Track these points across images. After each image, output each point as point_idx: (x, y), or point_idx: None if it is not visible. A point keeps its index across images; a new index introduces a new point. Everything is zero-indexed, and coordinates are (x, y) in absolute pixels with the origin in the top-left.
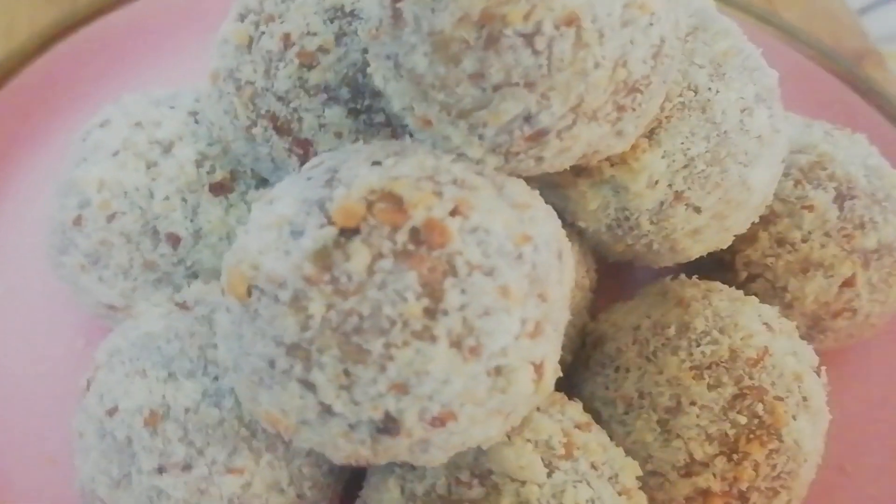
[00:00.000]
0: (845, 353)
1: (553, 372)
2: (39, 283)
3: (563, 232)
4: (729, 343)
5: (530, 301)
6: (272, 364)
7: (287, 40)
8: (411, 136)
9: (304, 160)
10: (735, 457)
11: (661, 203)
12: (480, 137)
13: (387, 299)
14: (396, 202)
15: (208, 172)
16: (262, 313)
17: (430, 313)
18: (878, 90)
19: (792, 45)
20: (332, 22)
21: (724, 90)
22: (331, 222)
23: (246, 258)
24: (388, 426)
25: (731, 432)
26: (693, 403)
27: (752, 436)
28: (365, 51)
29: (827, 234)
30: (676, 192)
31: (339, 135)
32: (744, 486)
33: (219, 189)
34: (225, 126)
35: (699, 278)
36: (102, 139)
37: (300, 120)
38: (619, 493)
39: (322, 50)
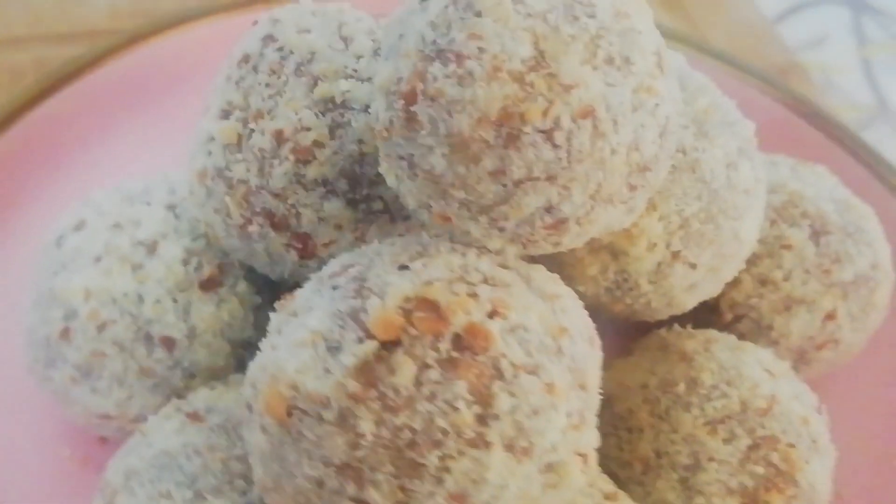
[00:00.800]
0: (824, 381)
1: (595, 458)
2: (19, 389)
3: (588, 317)
4: (738, 395)
5: (573, 393)
6: (320, 485)
7: (280, 137)
8: (406, 219)
9: (303, 253)
10: None
11: (660, 264)
12: (501, 230)
13: (438, 411)
14: (434, 309)
15: (196, 269)
16: (307, 434)
17: (482, 420)
18: (824, 115)
19: (733, 74)
20: (324, 115)
21: (710, 148)
22: (369, 336)
23: (283, 378)
24: None
25: (750, 484)
26: (711, 459)
27: (770, 485)
28: (360, 141)
29: (807, 271)
30: (674, 252)
31: (338, 227)
32: None
33: (209, 285)
34: (215, 224)
35: (688, 323)
36: (81, 244)
37: (298, 215)
38: None
39: (317, 144)
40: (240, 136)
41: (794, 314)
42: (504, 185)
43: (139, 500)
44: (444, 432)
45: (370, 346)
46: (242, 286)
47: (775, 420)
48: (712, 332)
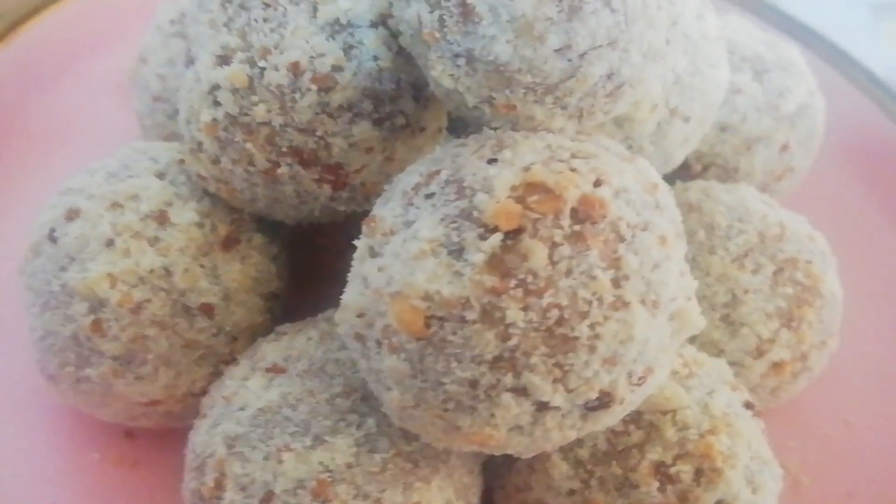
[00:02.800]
0: None
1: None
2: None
3: None
4: (754, 228)
5: (678, 242)
6: (474, 385)
7: (297, 69)
8: (423, 130)
9: (336, 185)
10: (793, 323)
11: (660, 123)
12: (564, 108)
13: (578, 283)
14: (546, 190)
15: (212, 230)
16: (452, 339)
17: (617, 282)
18: None
19: None
20: (334, 38)
21: (681, 1)
22: (490, 229)
23: (412, 292)
24: (602, 401)
25: (784, 305)
26: (746, 291)
27: (801, 301)
28: (376, 57)
29: (758, 110)
30: (672, 109)
31: (369, 149)
32: (805, 348)
33: (229, 244)
34: (234, 176)
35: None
36: (83, 232)
37: (328, 146)
38: (732, 390)
39: (336, 68)
40: (250, 78)
41: (754, 152)
42: (570, 60)
43: (255, 461)
44: (588, 302)
45: (496, 238)
46: (258, 239)
47: (790, 242)
48: (700, 182)
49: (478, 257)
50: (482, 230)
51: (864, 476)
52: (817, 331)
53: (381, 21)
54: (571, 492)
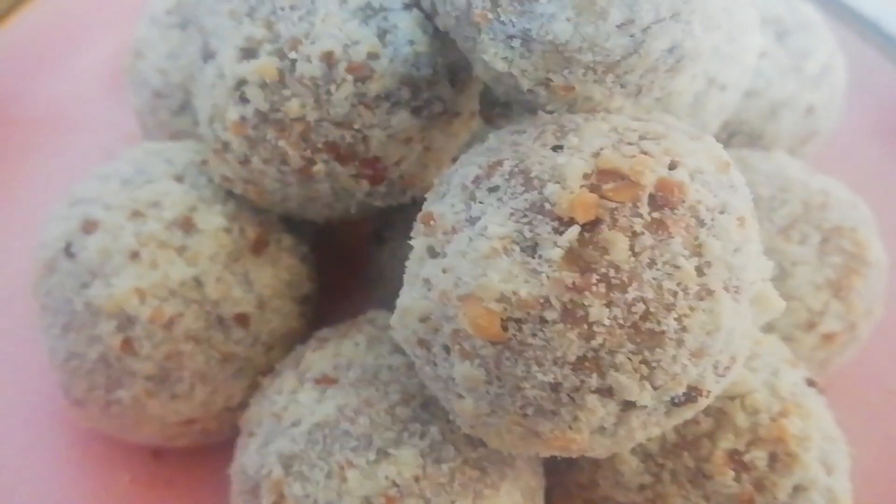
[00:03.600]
0: None
1: None
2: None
3: None
4: (796, 197)
5: (754, 223)
6: (556, 388)
7: (330, 59)
8: (458, 115)
9: (374, 180)
10: (842, 293)
11: (697, 94)
12: (623, 86)
13: (663, 274)
14: (621, 177)
15: (241, 234)
16: (532, 341)
17: (701, 270)
18: None
19: None
20: (367, 23)
21: None
22: (566, 222)
23: (486, 294)
24: (690, 395)
25: (833, 276)
26: (794, 264)
27: (849, 271)
28: (412, 42)
29: (782, 73)
30: (709, 78)
31: (407, 140)
32: (854, 317)
33: (259, 247)
34: (265, 176)
35: None
36: (104, 245)
37: (365, 139)
38: (793, 367)
39: (371, 56)
40: (280, 71)
41: (780, 117)
42: (632, 35)
43: (316, 480)
44: (674, 293)
45: (573, 231)
46: (287, 240)
47: (834, 210)
48: (734, 151)
49: (555, 253)
50: (557, 223)
51: None
52: (865, 299)
53: (415, 2)
54: (642, 487)
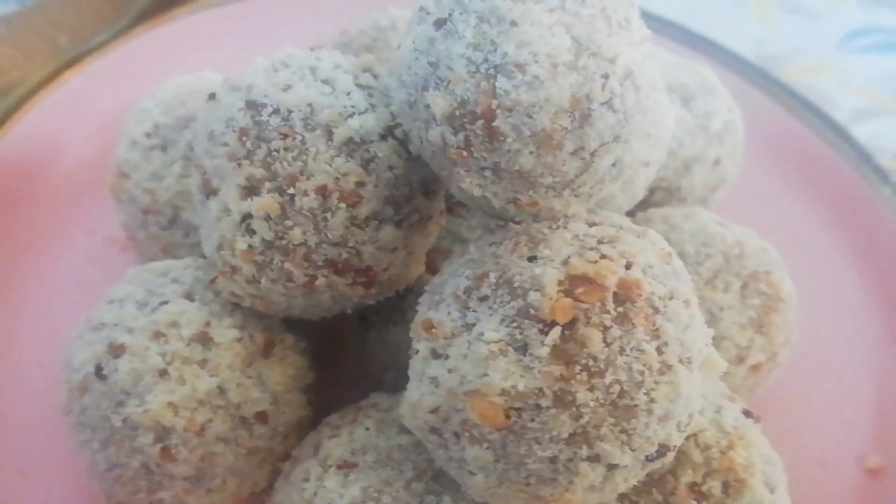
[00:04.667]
0: None
1: None
2: None
3: None
4: (717, 251)
5: (695, 300)
6: (554, 460)
7: (325, 191)
8: (430, 219)
9: (367, 285)
10: (764, 329)
11: None
12: (577, 196)
13: (631, 358)
14: (588, 281)
15: (251, 340)
16: (531, 425)
17: (660, 350)
18: None
19: None
20: (352, 156)
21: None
22: (549, 324)
23: (489, 390)
24: (660, 451)
25: (754, 315)
26: (721, 309)
27: (767, 309)
28: (390, 167)
29: (692, 134)
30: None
31: (393, 249)
32: (775, 347)
33: (267, 350)
34: (272, 293)
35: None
36: (134, 366)
37: (359, 254)
38: (731, 401)
39: (359, 185)
40: (282, 205)
41: (693, 171)
42: (583, 159)
43: None
44: (641, 373)
45: (555, 332)
46: (289, 338)
47: (749, 258)
48: (657, 210)
49: (543, 351)
50: (541, 325)
51: (831, 444)
52: (783, 331)
53: (390, 132)
54: None
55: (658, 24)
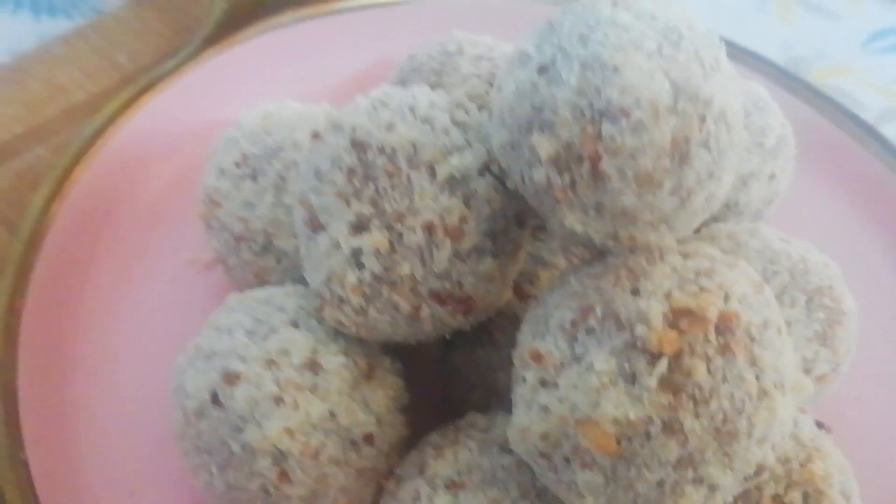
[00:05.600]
0: None
1: None
2: None
3: None
4: (784, 267)
5: (785, 328)
6: (661, 484)
7: (431, 228)
8: (519, 248)
9: (466, 313)
10: (828, 342)
11: None
12: (672, 229)
13: (734, 386)
14: (690, 314)
15: (355, 365)
16: (641, 451)
17: (758, 378)
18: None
19: None
20: (454, 192)
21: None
22: (657, 355)
23: (602, 418)
24: (757, 472)
25: (818, 328)
26: (789, 323)
27: (831, 321)
28: (489, 201)
29: (748, 150)
30: None
31: (491, 278)
32: (839, 358)
33: (370, 374)
34: (379, 323)
35: None
36: (250, 394)
37: (461, 285)
38: (803, 414)
39: (462, 220)
40: (391, 242)
41: (749, 186)
42: (681, 196)
43: None
44: (742, 400)
45: (663, 363)
46: (387, 361)
47: (813, 274)
48: (721, 227)
49: (652, 381)
50: (649, 357)
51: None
52: (845, 342)
53: (486, 168)
54: None
55: None
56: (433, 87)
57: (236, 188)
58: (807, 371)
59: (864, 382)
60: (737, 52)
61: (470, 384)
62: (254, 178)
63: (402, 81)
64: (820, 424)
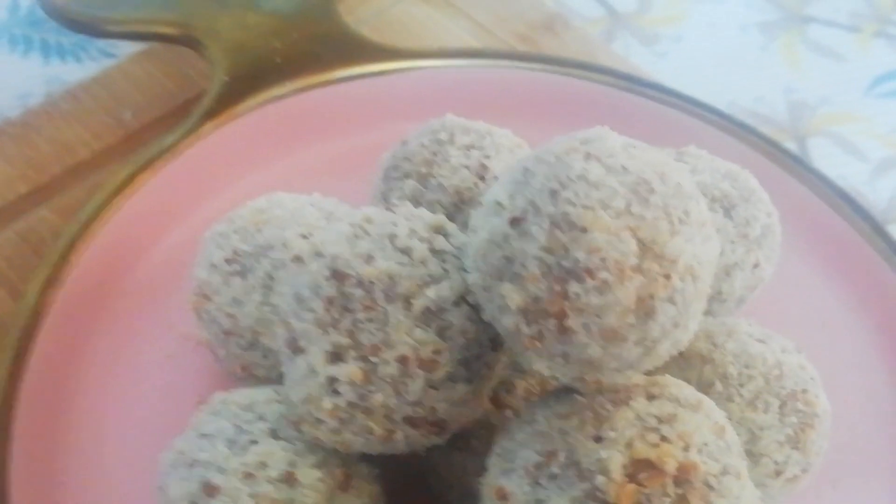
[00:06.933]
0: None
1: None
2: None
3: None
4: (759, 373)
5: (745, 467)
6: None
7: (404, 360)
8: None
9: (440, 434)
10: (800, 445)
11: None
12: (638, 370)
13: None
14: (650, 466)
15: (330, 477)
16: None
17: None
18: None
19: None
20: (429, 325)
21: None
22: None
23: None
24: None
25: (791, 432)
26: (761, 429)
27: (804, 426)
28: (464, 332)
29: (732, 242)
30: None
31: (464, 402)
32: (811, 459)
33: (345, 484)
34: (354, 442)
35: None
36: None
37: (434, 410)
38: None
39: (436, 352)
40: (365, 373)
41: (733, 276)
42: (646, 346)
43: None
44: None
45: None
46: (363, 469)
47: (788, 379)
48: (703, 324)
49: None
50: None
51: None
52: (818, 444)
53: (462, 298)
54: None
55: (702, 112)
56: (423, 178)
57: (226, 284)
58: (778, 474)
59: (841, 468)
60: (733, 127)
61: (448, 484)
62: (243, 275)
63: (394, 168)
64: None
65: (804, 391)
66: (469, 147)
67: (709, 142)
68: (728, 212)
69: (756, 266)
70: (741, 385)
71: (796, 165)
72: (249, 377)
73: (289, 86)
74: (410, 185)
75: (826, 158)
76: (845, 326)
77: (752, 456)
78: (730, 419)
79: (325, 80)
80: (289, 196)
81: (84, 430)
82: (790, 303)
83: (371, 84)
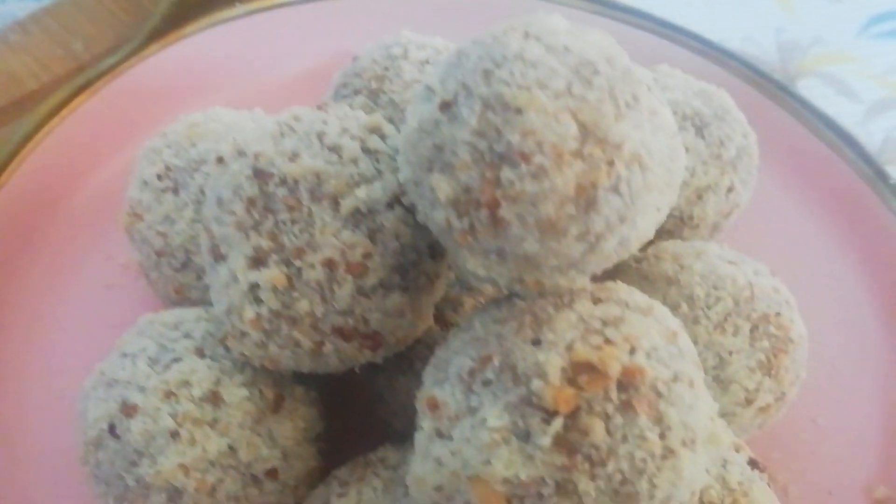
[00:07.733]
0: None
1: None
2: None
3: None
4: (728, 293)
5: (701, 377)
6: None
7: (331, 264)
8: (438, 278)
9: (374, 348)
10: (773, 371)
11: None
12: (582, 273)
13: (634, 446)
14: (591, 369)
15: (260, 398)
16: None
17: (663, 435)
18: None
19: None
20: (358, 227)
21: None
22: (552, 413)
23: (492, 477)
24: None
25: (763, 357)
26: (730, 353)
27: (776, 351)
28: (397, 235)
29: (704, 163)
30: None
31: (400, 313)
32: (784, 388)
33: (277, 405)
34: (281, 357)
35: None
36: (146, 427)
37: (366, 321)
38: (737, 451)
39: (366, 256)
40: (288, 278)
41: (705, 200)
42: (589, 242)
43: None
44: (643, 460)
45: (558, 422)
46: (299, 390)
47: (759, 301)
48: (668, 246)
49: (545, 440)
50: (544, 414)
51: (839, 474)
52: (792, 372)
53: (396, 200)
54: None
55: (675, 34)
56: (374, 93)
57: (157, 201)
58: (748, 402)
59: (821, 404)
60: (706, 49)
61: (392, 411)
62: (175, 191)
63: (343, 86)
64: (754, 463)
65: (777, 314)
66: (424, 62)
67: (683, 65)
68: (700, 130)
69: (730, 190)
70: (708, 307)
71: (774, 88)
72: (184, 300)
73: (239, 8)
74: (360, 101)
75: (817, 100)
76: (827, 257)
77: (721, 382)
78: (696, 343)
79: (278, 2)
80: (227, 111)
81: (11, 362)
82: (768, 230)
83: (324, 6)
